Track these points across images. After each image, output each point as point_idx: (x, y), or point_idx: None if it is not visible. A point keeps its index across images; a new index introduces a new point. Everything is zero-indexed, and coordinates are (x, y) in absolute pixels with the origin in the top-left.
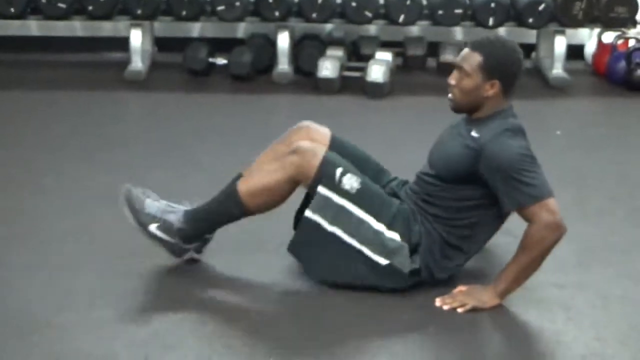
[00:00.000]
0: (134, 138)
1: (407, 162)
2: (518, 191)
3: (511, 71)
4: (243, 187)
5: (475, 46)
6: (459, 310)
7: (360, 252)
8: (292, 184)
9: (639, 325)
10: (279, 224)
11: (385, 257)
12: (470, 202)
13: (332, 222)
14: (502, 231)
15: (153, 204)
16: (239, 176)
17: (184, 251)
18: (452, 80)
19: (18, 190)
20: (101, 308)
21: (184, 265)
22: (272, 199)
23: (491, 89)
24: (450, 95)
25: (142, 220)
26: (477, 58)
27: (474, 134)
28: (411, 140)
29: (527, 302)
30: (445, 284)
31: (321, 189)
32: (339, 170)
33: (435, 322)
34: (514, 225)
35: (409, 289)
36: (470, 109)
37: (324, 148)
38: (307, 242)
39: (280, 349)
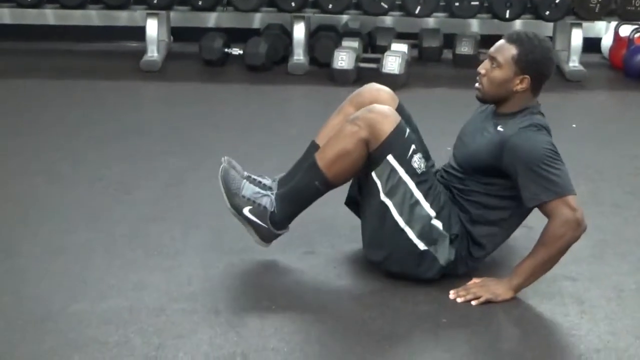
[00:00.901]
0: (149, 127)
1: None
2: (538, 185)
3: (543, 70)
4: (320, 156)
5: (512, 39)
6: (473, 302)
7: (402, 231)
8: (366, 145)
9: None
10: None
11: (426, 243)
12: (496, 199)
13: (387, 194)
14: None
15: (249, 187)
16: (314, 144)
17: (274, 237)
18: (482, 69)
19: (34, 178)
20: (115, 296)
21: (195, 257)
22: (349, 164)
23: (520, 84)
24: (477, 84)
25: (236, 202)
26: (512, 51)
27: (499, 128)
28: (426, 132)
29: (540, 295)
30: (460, 277)
31: (390, 159)
32: (412, 147)
33: (449, 314)
34: (529, 218)
35: (423, 281)
36: (496, 101)
37: (398, 115)
38: (362, 201)
39: (291, 335)
